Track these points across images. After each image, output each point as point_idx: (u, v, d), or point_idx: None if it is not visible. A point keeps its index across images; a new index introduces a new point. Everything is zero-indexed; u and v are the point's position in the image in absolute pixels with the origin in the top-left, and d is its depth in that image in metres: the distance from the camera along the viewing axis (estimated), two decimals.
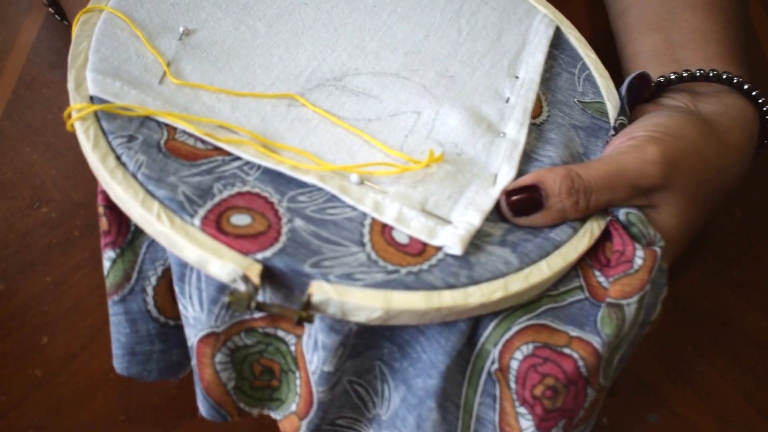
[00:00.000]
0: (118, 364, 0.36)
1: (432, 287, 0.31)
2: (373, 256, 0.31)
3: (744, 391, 0.43)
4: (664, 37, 0.46)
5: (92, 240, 0.46)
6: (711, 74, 0.42)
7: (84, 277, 0.45)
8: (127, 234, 0.34)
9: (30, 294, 0.43)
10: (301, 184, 0.33)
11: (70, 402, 0.40)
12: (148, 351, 0.36)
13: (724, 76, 0.41)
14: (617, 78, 0.49)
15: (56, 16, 0.55)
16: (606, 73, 0.45)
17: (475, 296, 0.31)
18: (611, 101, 0.43)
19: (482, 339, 0.33)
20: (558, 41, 0.46)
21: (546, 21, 0.47)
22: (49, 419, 0.39)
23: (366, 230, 0.32)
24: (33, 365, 0.41)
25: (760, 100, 0.42)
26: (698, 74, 0.42)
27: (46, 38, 0.57)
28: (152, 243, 0.34)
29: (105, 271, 0.34)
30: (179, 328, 0.36)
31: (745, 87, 0.41)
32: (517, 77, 0.42)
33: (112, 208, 0.33)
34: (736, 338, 0.45)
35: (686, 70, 0.42)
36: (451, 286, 0.31)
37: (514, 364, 0.32)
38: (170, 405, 0.40)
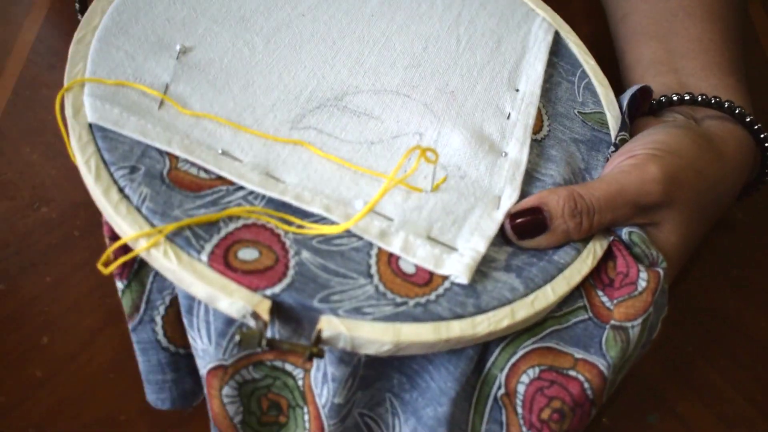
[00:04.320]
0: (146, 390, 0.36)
1: (440, 318, 0.31)
2: (381, 288, 0.31)
3: (744, 391, 0.43)
4: (664, 46, 0.46)
5: (92, 240, 0.46)
6: (713, 101, 0.41)
7: (84, 277, 0.44)
8: (133, 265, 0.34)
9: (30, 294, 0.43)
10: (307, 214, 0.33)
11: (70, 402, 0.40)
12: (160, 380, 0.36)
13: (726, 105, 0.41)
14: (617, 82, 0.49)
15: (78, 13, 0.54)
16: (606, 81, 0.45)
17: (482, 325, 0.31)
18: (611, 111, 0.43)
19: (489, 364, 0.33)
20: (557, 47, 0.46)
21: (545, 26, 0.46)
22: (49, 419, 0.39)
23: (373, 261, 0.32)
24: (33, 365, 0.40)
25: (762, 135, 0.42)
26: (700, 99, 0.41)
27: (46, 38, 0.57)
28: (159, 272, 0.34)
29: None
30: (190, 356, 0.36)
31: (747, 119, 0.41)
32: (517, 90, 0.42)
33: (116, 239, 0.33)
34: (736, 338, 0.45)
35: (689, 93, 0.42)
36: (458, 316, 0.31)
37: (521, 388, 0.33)
38: None
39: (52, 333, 0.42)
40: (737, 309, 0.47)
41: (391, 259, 0.32)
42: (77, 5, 0.53)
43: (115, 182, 0.32)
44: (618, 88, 0.45)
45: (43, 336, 0.41)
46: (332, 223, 0.33)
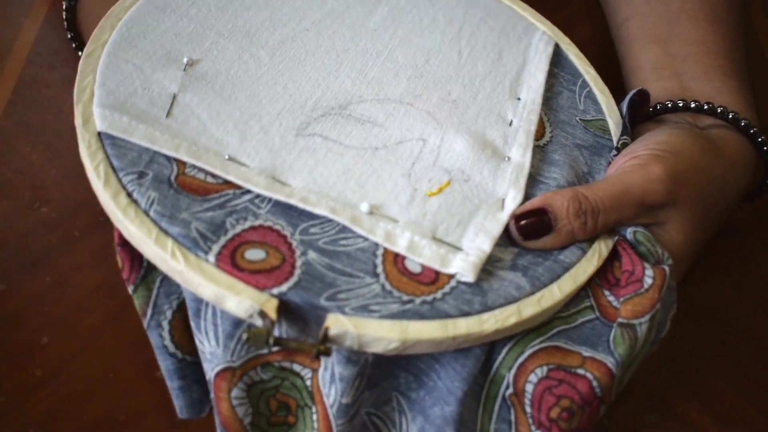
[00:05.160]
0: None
1: (447, 316, 0.31)
2: (388, 286, 0.31)
3: (743, 391, 0.43)
4: (665, 50, 0.47)
5: (92, 240, 0.46)
6: (718, 110, 0.42)
7: (84, 277, 0.44)
8: (140, 270, 0.34)
9: (30, 294, 0.43)
10: (313, 216, 0.33)
11: (70, 402, 0.39)
12: (168, 387, 0.36)
13: (730, 116, 0.41)
14: (619, 83, 0.49)
15: (78, 51, 0.55)
16: (606, 90, 0.45)
17: (489, 323, 0.31)
18: (612, 118, 0.44)
19: (496, 364, 0.33)
20: (557, 58, 0.47)
21: (545, 39, 0.47)
22: (49, 419, 0.39)
23: (379, 260, 0.32)
24: (33, 365, 0.40)
25: (765, 148, 0.42)
26: (706, 108, 0.42)
27: (46, 38, 0.57)
28: (165, 277, 0.34)
29: None
30: (197, 365, 0.36)
31: (743, 124, 0.42)
32: (519, 99, 0.42)
33: (124, 245, 0.33)
34: (735, 337, 0.45)
35: (695, 101, 0.42)
36: (465, 314, 0.31)
37: (529, 388, 0.33)
38: (170, 405, 0.39)
39: (52, 333, 0.41)
40: (736, 309, 0.47)
41: (397, 258, 0.33)
42: (65, 23, 0.53)
43: (124, 187, 0.32)
44: (620, 89, 0.46)
45: (43, 336, 0.41)
46: (338, 225, 0.33)
